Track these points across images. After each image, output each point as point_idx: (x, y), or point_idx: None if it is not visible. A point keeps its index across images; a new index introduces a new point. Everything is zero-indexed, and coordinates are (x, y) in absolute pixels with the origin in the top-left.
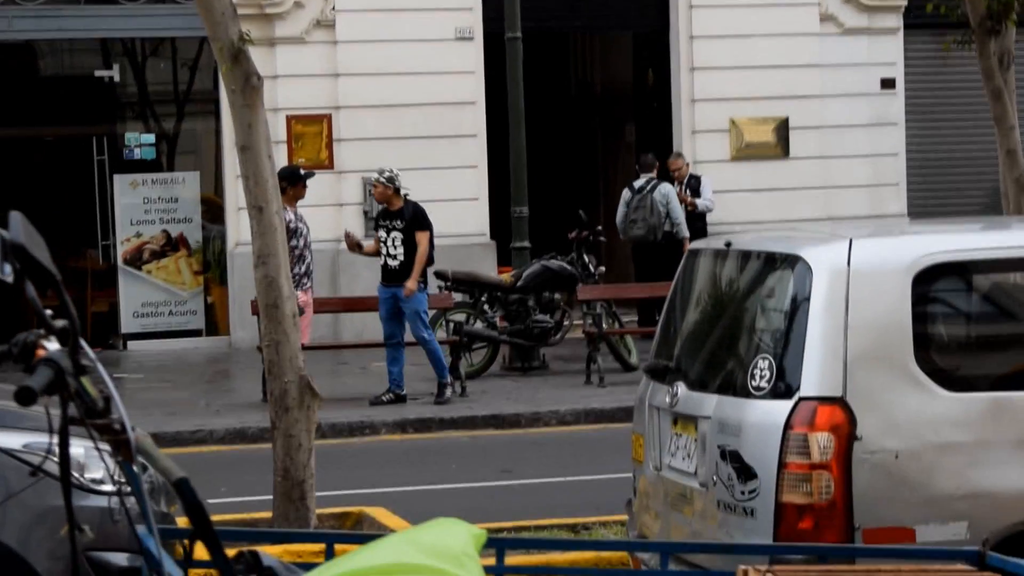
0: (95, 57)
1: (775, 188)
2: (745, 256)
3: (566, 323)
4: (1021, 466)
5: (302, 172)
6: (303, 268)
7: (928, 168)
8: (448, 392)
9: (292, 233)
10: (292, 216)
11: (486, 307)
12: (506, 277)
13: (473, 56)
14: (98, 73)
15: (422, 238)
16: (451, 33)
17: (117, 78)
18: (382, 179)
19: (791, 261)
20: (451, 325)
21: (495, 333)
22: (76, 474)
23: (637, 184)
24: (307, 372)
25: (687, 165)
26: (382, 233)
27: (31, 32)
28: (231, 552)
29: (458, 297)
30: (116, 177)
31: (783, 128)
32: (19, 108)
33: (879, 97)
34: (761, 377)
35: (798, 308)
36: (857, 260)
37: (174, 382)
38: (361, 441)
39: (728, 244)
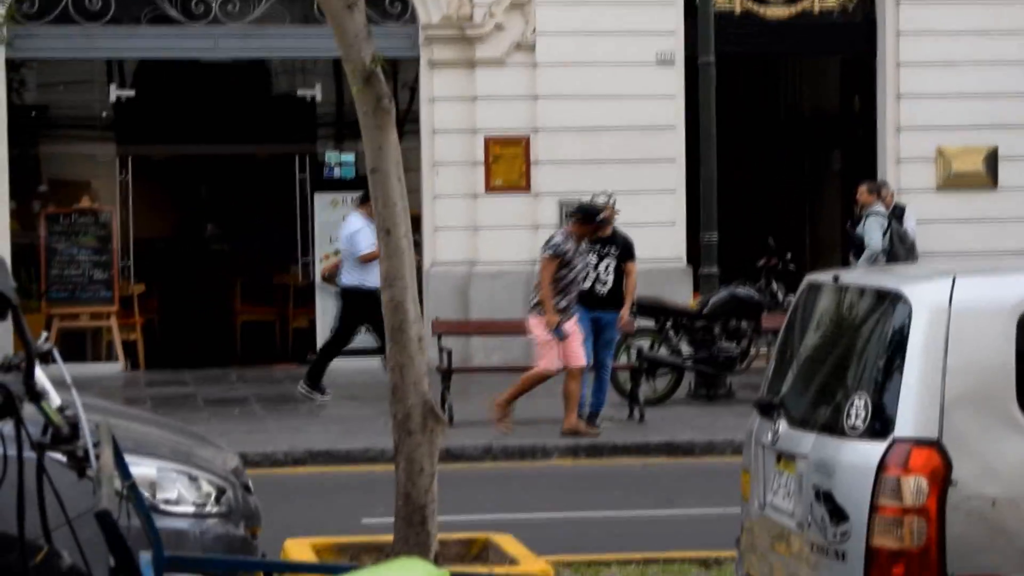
0: (299, 76)
1: (982, 219)
2: (851, 292)
3: (752, 351)
4: None
5: (597, 217)
6: (563, 301)
7: None
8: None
9: (564, 264)
10: (571, 247)
11: (671, 333)
12: (692, 303)
13: (674, 80)
14: (300, 92)
15: (632, 268)
16: (652, 57)
17: (319, 97)
18: (613, 203)
19: (893, 298)
20: (634, 351)
21: (678, 360)
22: (147, 494)
23: (893, 211)
24: (431, 396)
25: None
26: (592, 258)
27: (236, 51)
28: None
29: (644, 323)
30: (316, 195)
31: (992, 158)
32: (224, 126)
33: None
34: (857, 416)
35: (897, 347)
36: (959, 299)
37: (360, 400)
38: (531, 465)
39: (836, 278)
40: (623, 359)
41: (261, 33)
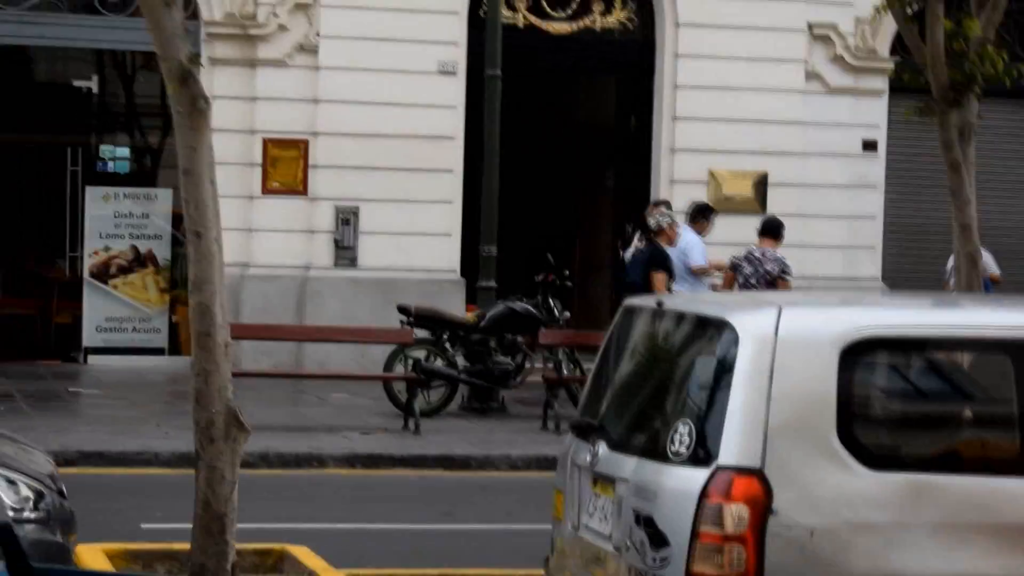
0: (76, 66)
1: (750, 243)
2: (676, 318)
3: (527, 366)
4: (938, 550)
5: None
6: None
7: (905, 233)
8: None
9: None
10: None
11: (447, 345)
12: (470, 316)
13: (455, 91)
14: (77, 83)
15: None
16: (434, 66)
17: (96, 89)
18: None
19: (719, 326)
20: (410, 361)
21: (454, 372)
22: None
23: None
24: (235, 404)
25: None
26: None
27: (10, 38)
28: None
29: (421, 333)
30: (88, 189)
31: (762, 183)
32: None
33: (860, 158)
34: (680, 442)
35: (722, 374)
36: (785, 329)
37: (129, 400)
38: (307, 473)
39: (660, 304)
40: (399, 369)
41: (37, 20)
